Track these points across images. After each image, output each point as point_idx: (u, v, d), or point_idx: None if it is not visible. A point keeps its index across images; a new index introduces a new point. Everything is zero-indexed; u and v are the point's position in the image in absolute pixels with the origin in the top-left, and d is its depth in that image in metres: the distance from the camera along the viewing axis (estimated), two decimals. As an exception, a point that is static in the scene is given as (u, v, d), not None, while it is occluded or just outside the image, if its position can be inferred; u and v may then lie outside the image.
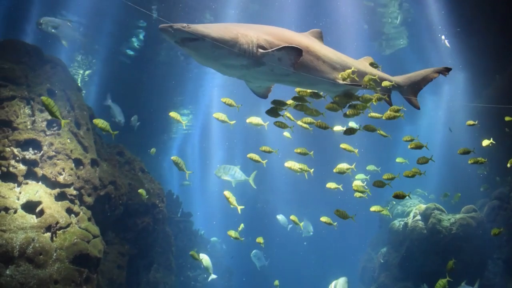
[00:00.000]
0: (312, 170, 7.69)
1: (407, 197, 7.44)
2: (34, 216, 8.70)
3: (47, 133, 9.94)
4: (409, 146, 7.84)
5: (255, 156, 7.93)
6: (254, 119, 8.66)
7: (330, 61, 6.80)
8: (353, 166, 8.25)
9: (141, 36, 16.98)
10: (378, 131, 7.43)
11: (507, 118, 8.89)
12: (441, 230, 15.18)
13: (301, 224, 11.23)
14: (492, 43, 15.04)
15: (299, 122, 7.24)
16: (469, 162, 8.41)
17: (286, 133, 7.99)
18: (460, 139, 18.26)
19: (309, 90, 6.92)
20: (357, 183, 8.14)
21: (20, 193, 8.95)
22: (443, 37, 16.11)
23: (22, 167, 9.25)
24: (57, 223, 8.76)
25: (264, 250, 29.57)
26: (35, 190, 9.07)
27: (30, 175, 9.34)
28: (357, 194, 8.22)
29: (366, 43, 17.61)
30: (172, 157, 8.44)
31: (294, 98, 6.88)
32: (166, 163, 41.39)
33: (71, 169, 9.94)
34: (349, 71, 6.65)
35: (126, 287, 12.14)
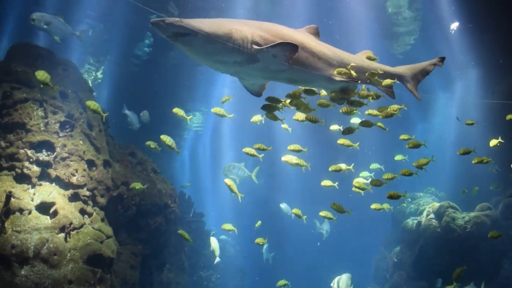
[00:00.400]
0: (309, 164, 7.60)
1: (402, 197, 7.25)
2: (48, 217, 8.80)
3: (60, 134, 10.05)
4: (407, 146, 7.70)
5: (251, 151, 7.84)
6: (257, 117, 8.73)
7: (326, 57, 6.67)
8: (351, 167, 8.17)
9: (151, 38, 17.08)
10: (376, 124, 7.24)
11: (508, 117, 8.66)
12: (455, 228, 15.03)
13: (319, 223, 11.23)
14: (504, 40, 14.86)
15: (294, 117, 7.11)
16: (473, 162, 8.19)
17: (285, 125, 7.91)
18: (473, 136, 18.07)
19: (303, 88, 6.81)
20: (358, 180, 8.05)
21: (34, 194, 9.05)
22: (453, 25, 15.83)
23: (36, 169, 9.36)
24: (71, 223, 8.85)
25: (277, 249, 29.55)
26: (48, 191, 9.17)
27: (44, 176, 9.46)
28: (355, 190, 8.16)
29: (377, 40, 17.49)
30: (160, 136, 8.42)
31: (288, 96, 6.73)
32: (178, 164, 41.59)
33: (84, 170, 10.04)
34: (345, 69, 6.55)
35: (139, 287, 12.22)
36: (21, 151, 9.32)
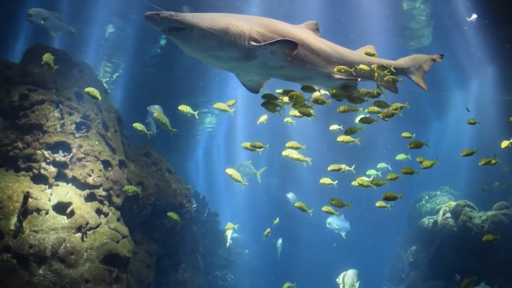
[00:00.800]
0: (310, 159, 7.51)
1: (399, 198, 7.09)
2: (65, 217, 8.90)
3: (76, 135, 10.15)
4: (408, 146, 7.54)
5: (249, 145, 7.73)
6: (263, 118, 8.71)
7: (326, 54, 6.54)
8: (352, 168, 8.07)
9: (164, 39, 17.17)
10: (376, 121, 7.10)
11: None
12: (472, 227, 14.82)
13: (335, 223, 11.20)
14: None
15: (291, 112, 7.00)
16: (480, 163, 7.95)
17: (288, 119, 7.82)
18: (490, 134, 17.82)
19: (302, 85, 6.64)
20: (362, 178, 7.91)
21: (51, 194, 9.16)
22: (472, 17, 15.53)
23: (52, 169, 9.47)
24: (87, 223, 8.94)
25: (292, 249, 29.41)
26: (65, 192, 9.27)
27: (61, 177, 9.56)
28: (354, 183, 8.03)
29: (391, 37, 17.36)
30: (154, 114, 8.42)
31: (284, 92, 6.55)
32: (192, 163, 41.76)
33: (100, 170, 10.13)
34: (344, 67, 6.43)
35: (155, 286, 12.30)
36: (38, 152, 9.45)
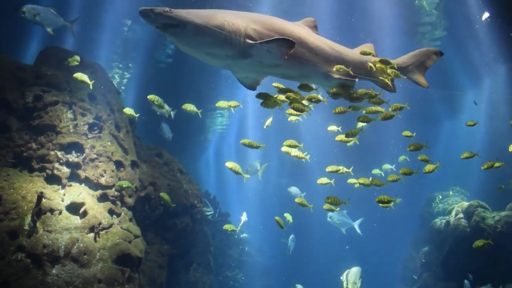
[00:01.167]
0: (309, 156, 7.45)
1: (394, 202, 7.00)
2: (78, 217, 8.98)
3: (89, 136, 10.25)
4: (408, 149, 7.42)
5: (248, 142, 7.64)
6: (268, 121, 8.67)
7: (324, 53, 6.44)
8: (350, 170, 8.00)
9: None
10: (374, 120, 6.97)
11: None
12: (485, 228, 14.67)
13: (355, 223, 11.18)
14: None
15: (288, 111, 6.86)
16: (483, 167, 7.77)
17: (293, 117, 7.76)
18: (503, 133, 17.66)
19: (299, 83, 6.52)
20: (365, 178, 7.82)
21: (64, 195, 9.25)
22: (484, 16, 15.25)
23: (65, 170, 9.57)
24: (100, 223, 9.01)
25: (304, 250, 29.27)
26: (78, 192, 9.36)
27: (74, 177, 9.66)
28: (351, 181, 8.03)
29: (402, 38, 17.27)
30: (148, 97, 8.44)
31: (281, 90, 6.44)
32: (203, 164, 41.88)
33: (112, 171, 10.21)
34: (344, 67, 6.34)
35: (167, 286, 12.36)
36: (52, 152, 9.55)
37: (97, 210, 9.23)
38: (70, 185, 9.52)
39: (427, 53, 7.21)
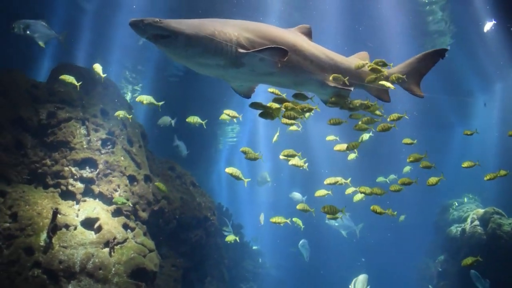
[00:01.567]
0: (307, 164, 7.32)
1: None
2: (92, 232, 9.04)
3: (102, 151, 10.35)
4: (408, 160, 7.28)
5: (247, 150, 7.59)
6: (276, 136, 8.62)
7: (319, 60, 6.32)
8: (348, 181, 7.92)
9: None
10: (371, 128, 6.82)
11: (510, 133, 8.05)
12: (501, 235, 14.46)
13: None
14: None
15: (282, 121, 6.56)
16: (486, 178, 7.54)
17: (294, 127, 7.72)
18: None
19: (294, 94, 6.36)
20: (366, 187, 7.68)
21: (79, 210, 9.33)
22: (487, 26, 14.95)
23: (80, 185, 9.65)
24: (115, 238, 9.05)
25: (318, 261, 29.02)
26: (92, 207, 9.43)
27: (88, 192, 9.73)
28: (349, 191, 8.03)
29: (411, 44, 17.24)
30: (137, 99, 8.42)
31: (275, 100, 6.28)
32: (215, 176, 41.92)
33: (126, 185, 10.28)
34: (341, 76, 6.24)
35: (182, 300, 12.33)
36: (66, 168, 9.65)
37: (111, 225, 9.27)
38: (85, 201, 9.59)
39: (424, 58, 6.95)
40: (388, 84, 6.50)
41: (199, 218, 13.36)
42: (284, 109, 6.16)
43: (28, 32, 11.18)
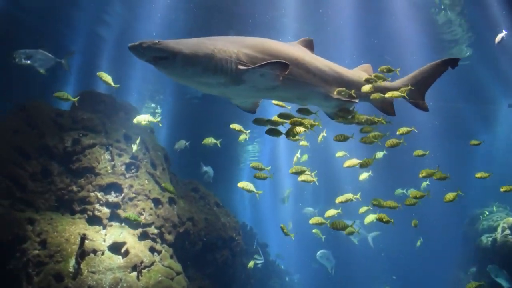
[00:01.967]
0: (316, 178, 7.19)
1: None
2: (120, 257, 9.10)
3: (127, 176, 10.48)
4: (420, 175, 7.01)
5: (257, 164, 7.54)
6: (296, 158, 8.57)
7: (322, 73, 6.27)
8: (358, 196, 7.80)
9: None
10: (377, 142, 6.62)
11: None
12: (535, 244, 14.07)
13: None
14: None
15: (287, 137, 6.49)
16: (502, 190, 7.41)
17: (304, 142, 7.65)
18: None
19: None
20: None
21: (105, 235, 9.41)
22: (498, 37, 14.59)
23: (106, 210, 9.76)
24: (142, 262, 9.09)
25: (346, 278, 28.52)
26: (119, 232, 9.51)
27: (114, 217, 9.83)
28: (363, 209, 7.88)
29: (428, 56, 17.12)
30: (97, 73, 8.30)
31: (280, 115, 6.21)
32: (238, 195, 41.92)
33: (151, 208, 10.36)
34: (345, 89, 6.18)
35: (210, 321, 12.24)
36: (92, 194, 9.79)
37: (138, 249, 9.33)
38: (111, 225, 9.69)
39: (429, 70, 6.81)
40: (396, 93, 6.41)
41: (225, 239, 13.33)
42: (289, 124, 6.13)
43: (28, 61, 11.33)
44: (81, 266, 8.48)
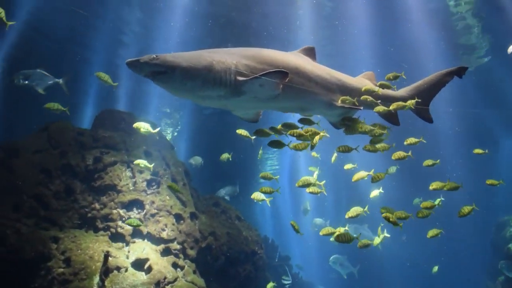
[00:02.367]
0: (324, 189, 7.08)
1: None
2: (143, 273, 9.11)
3: (148, 192, 10.55)
4: (430, 188, 6.85)
5: (266, 174, 7.43)
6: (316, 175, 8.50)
7: (324, 81, 6.14)
8: (366, 209, 7.65)
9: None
10: (381, 151, 6.44)
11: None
12: None
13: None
14: None
15: (291, 146, 6.37)
16: None
17: (314, 153, 7.53)
18: None
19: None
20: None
21: (129, 251, 9.46)
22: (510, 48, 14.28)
23: (128, 227, 9.82)
24: (165, 278, 9.09)
25: (367, 282, 28.02)
26: (142, 248, 9.55)
27: (136, 233, 9.88)
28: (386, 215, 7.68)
29: (445, 61, 16.95)
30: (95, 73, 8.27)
31: (284, 125, 6.08)
32: (258, 209, 41.83)
33: (173, 224, 10.39)
34: (349, 98, 6.08)
35: (235, 337, 12.14)
36: (114, 211, 9.87)
37: (161, 265, 9.34)
38: (134, 242, 9.74)
39: (434, 80, 6.67)
40: (402, 104, 6.25)
41: (247, 253, 13.26)
42: (290, 135, 6.06)
43: (26, 82, 11.45)
44: (105, 283, 8.51)
